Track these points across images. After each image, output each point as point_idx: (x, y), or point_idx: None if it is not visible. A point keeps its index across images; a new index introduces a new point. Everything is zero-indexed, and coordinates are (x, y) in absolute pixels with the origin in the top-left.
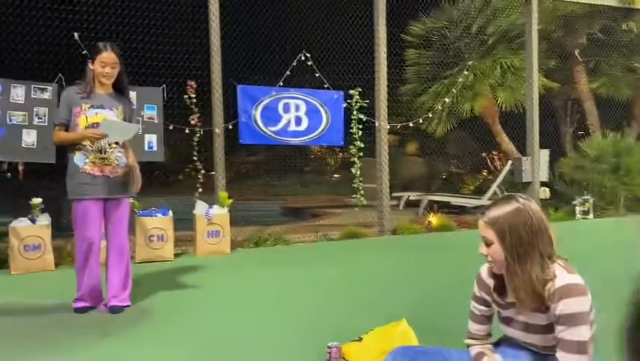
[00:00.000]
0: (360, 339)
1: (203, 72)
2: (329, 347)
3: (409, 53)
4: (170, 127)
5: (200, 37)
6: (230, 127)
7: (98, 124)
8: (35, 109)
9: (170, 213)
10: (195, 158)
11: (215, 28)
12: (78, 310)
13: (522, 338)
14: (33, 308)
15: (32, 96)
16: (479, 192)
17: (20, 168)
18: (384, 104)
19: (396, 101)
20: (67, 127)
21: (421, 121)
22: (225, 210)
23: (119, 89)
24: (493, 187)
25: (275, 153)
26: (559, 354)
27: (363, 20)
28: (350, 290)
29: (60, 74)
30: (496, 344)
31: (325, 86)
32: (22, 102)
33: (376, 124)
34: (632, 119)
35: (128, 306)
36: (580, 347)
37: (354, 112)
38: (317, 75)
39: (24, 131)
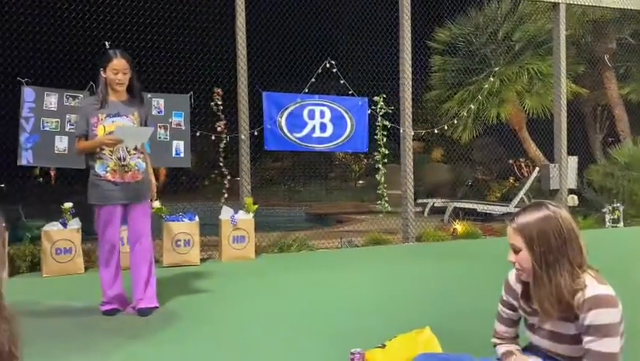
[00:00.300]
0: (384, 346)
1: (230, 79)
2: (352, 354)
3: (434, 60)
4: (197, 133)
5: (226, 45)
6: (256, 133)
7: (114, 131)
8: (67, 116)
9: (197, 218)
10: (221, 164)
11: (241, 36)
12: (106, 313)
13: (548, 347)
14: (64, 310)
15: (65, 104)
16: (506, 199)
17: (52, 173)
18: (409, 111)
19: (421, 107)
20: (86, 138)
21: (446, 127)
22: (250, 215)
23: (132, 94)
24: (520, 194)
25: (300, 159)
26: None
27: (388, 27)
28: (374, 297)
29: (91, 82)
30: (522, 351)
31: (350, 92)
32: (55, 109)
33: (401, 130)
34: None
35: (157, 307)
36: (608, 359)
37: (379, 118)
38: (342, 82)
39: (56, 137)
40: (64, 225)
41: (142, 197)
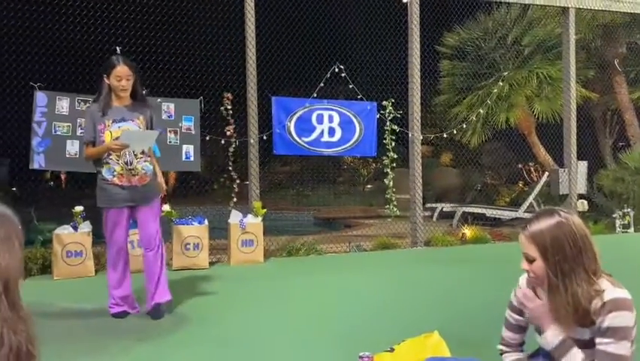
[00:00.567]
0: (392, 350)
1: (239, 84)
2: (360, 357)
3: (443, 64)
4: (207, 138)
5: (236, 51)
6: (265, 138)
7: (121, 135)
8: (79, 120)
9: (206, 222)
10: (230, 168)
11: (251, 42)
12: (116, 315)
13: None
14: (74, 312)
15: (76, 108)
16: (515, 204)
17: (62, 176)
18: (417, 115)
19: (430, 112)
20: (94, 144)
21: (455, 132)
22: (259, 219)
23: (136, 99)
24: (530, 199)
25: (308, 163)
26: None
27: (397, 32)
28: (382, 301)
29: (97, 86)
30: (532, 356)
31: (359, 97)
32: (67, 114)
33: (410, 135)
34: None
35: (170, 300)
36: None
37: (388, 123)
38: (350, 86)
39: (68, 141)
40: (75, 228)
41: (150, 199)
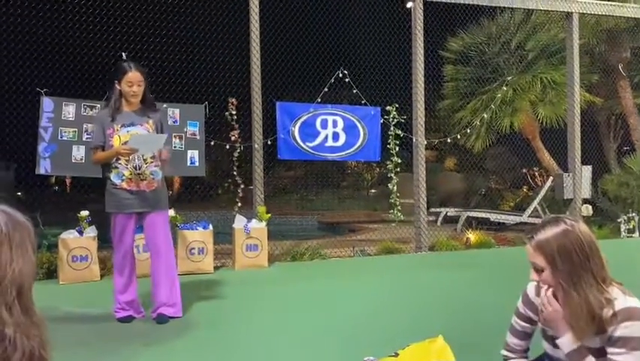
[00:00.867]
0: (397, 354)
1: (244, 89)
2: None
3: (446, 69)
4: (212, 143)
5: (241, 56)
6: (269, 143)
7: (130, 140)
8: (84, 125)
9: (211, 226)
10: (235, 173)
11: (255, 47)
12: (122, 320)
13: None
14: (80, 317)
15: (82, 113)
16: (519, 208)
17: (67, 181)
18: (421, 120)
19: (434, 116)
20: (103, 148)
21: (459, 137)
22: (263, 224)
23: (145, 104)
24: (534, 204)
25: (312, 168)
26: None
27: (401, 37)
28: (386, 306)
29: (108, 92)
30: None
31: (363, 102)
32: (73, 119)
33: (414, 140)
34: None
35: (178, 317)
36: None
37: (392, 128)
38: (354, 91)
39: (74, 147)
40: (81, 233)
41: (158, 205)
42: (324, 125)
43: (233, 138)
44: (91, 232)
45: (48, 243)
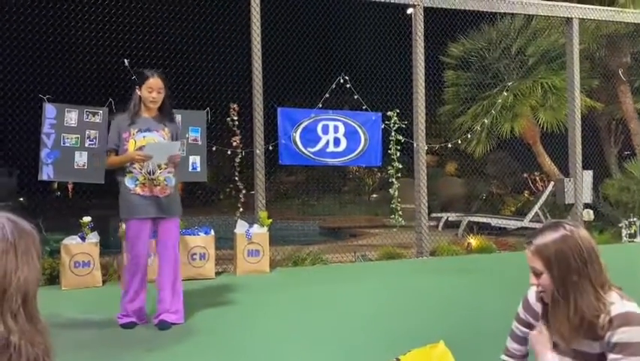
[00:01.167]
0: (398, 360)
1: (245, 95)
2: None
3: (447, 75)
4: (213, 148)
5: (242, 62)
6: (271, 148)
7: (144, 146)
8: (87, 132)
9: (212, 232)
10: (236, 178)
11: (257, 53)
12: (125, 326)
13: None
14: (82, 323)
15: (84, 120)
16: (520, 213)
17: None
18: (422, 125)
19: (434, 122)
20: (117, 152)
21: (459, 142)
22: (265, 229)
23: (165, 113)
24: (535, 208)
25: (314, 173)
26: None
27: (401, 42)
28: (387, 311)
29: (110, 99)
30: None
31: (364, 107)
32: (75, 125)
33: (414, 145)
34: None
35: (180, 323)
36: None
37: (393, 133)
38: (355, 97)
39: (76, 153)
40: (83, 238)
41: (172, 212)
42: (326, 130)
43: (234, 144)
44: (93, 237)
45: (50, 249)
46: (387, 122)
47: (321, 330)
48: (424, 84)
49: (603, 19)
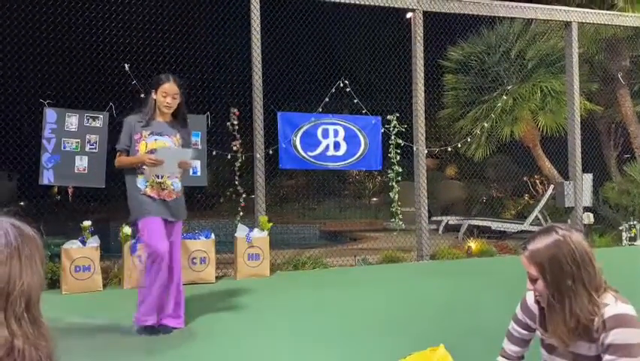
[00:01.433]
0: None
1: (246, 100)
2: None
3: (447, 78)
4: (214, 153)
5: (242, 67)
6: (271, 152)
7: (156, 150)
8: (87, 136)
9: (213, 236)
10: (237, 182)
11: (257, 58)
12: (142, 330)
13: None
14: (83, 327)
15: (85, 124)
16: (521, 216)
17: (70, 190)
18: (422, 129)
19: (434, 125)
20: (127, 153)
21: (459, 145)
22: (265, 233)
23: (179, 119)
24: (535, 212)
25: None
26: None
27: (401, 46)
28: (388, 315)
29: (111, 103)
30: None
31: (363, 111)
32: (76, 130)
33: (414, 148)
34: None
35: (181, 328)
36: None
37: (392, 137)
38: (355, 101)
39: (77, 157)
40: (84, 243)
41: (180, 215)
42: (326, 134)
43: (235, 148)
44: (93, 242)
45: (51, 253)
46: (387, 125)
47: (322, 334)
48: (423, 88)
49: (602, 22)
